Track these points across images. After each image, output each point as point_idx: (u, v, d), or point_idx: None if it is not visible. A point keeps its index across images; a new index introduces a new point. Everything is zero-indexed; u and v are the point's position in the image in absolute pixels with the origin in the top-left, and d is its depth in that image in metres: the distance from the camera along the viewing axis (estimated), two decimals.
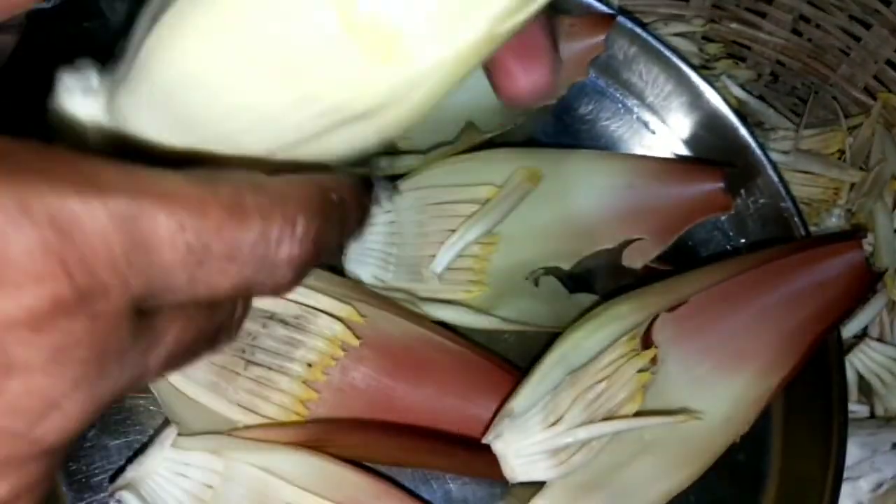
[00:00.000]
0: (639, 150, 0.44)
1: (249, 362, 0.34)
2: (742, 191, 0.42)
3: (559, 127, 0.43)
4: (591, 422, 0.33)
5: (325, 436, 0.34)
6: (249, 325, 0.34)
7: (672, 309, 0.37)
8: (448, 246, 0.37)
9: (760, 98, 0.51)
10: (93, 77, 0.19)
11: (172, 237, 0.15)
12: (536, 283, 0.40)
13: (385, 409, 0.35)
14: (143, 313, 0.16)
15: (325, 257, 0.18)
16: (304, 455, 0.33)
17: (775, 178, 0.41)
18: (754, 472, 0.40)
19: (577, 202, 0.40)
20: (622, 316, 0.36)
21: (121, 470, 0.34)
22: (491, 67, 0.21)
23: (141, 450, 0.34)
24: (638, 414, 0.35)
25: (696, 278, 0.38)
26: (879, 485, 0.41)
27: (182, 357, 0.18)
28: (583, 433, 0.33)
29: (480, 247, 0.39)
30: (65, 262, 0.14)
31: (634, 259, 0.41)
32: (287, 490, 0.32)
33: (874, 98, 0.48)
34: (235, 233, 0.16)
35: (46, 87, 0.20)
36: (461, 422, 0.36)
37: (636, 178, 0.40)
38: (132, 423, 0.36)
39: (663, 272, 0.40)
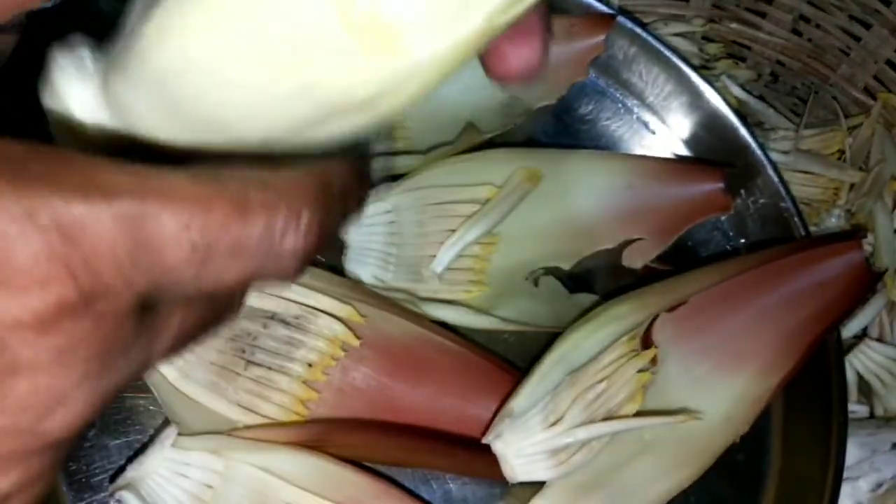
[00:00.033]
0: (639, 151, 0.44)
1: (250, 362, 0.34)
2: (742, 191, 0.42)
3: (559, 127, 0.43)
4: (590, 422, 0.33)
5: (325, 436, 0.34)
6: (249, 325, 0.34)
7: (672, 309, 0.37)
8: (448, 246, 0.37)
9: (760, 98, 0.51)
10: (86, 56, 0.19)
11: (177, 236, 0.15)
12: (536, 284, 0.40)
13: (385, 409, 0.35)
14: (147, 306, 0.16)
15: (328, 245, 0.18)
16: (304, 455, 0.33)
17: (775, 179, 0.41)
18: (754, 472, 0.40)
19: (576, 202, 0.40)
20: (622, 316, 0.36)
21: (121, 470, 0.34)
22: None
23: (141, 450, 0.34)
24: (638, 414, 0.35)
25: (695, 278, 0.38)
26: (879, 485, 0.41)
27: (185, 342, 0.18)
28: (583, 433, 0.33)
29: (480, 247, 0.39)
30: (69, 265, 0.14)
31: (634, 259, 0.41)
32: (287, 490, 0.32)
33: (874, 98, 0.48)
34: (240, 229, 0.16)
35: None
36: (461, 422, 0.36)
37: (636, 178, 0.40)
38: (132, 423, 0.36)
39: (663, 272, 0.40)
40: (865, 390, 0.45)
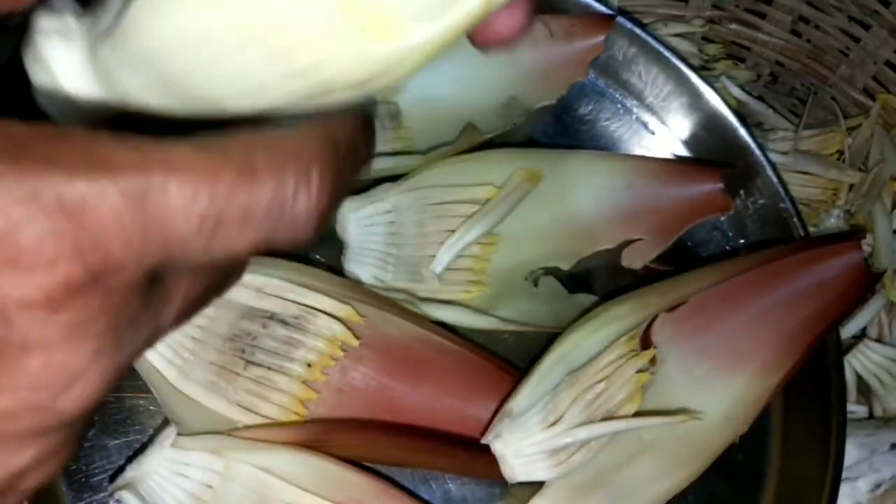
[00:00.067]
0: (638, 151, 0.44)
1: (249, 362, 0.34)
2: (741, 191, 0.42)
3: (559, 127, 0.43)
4: (590, 422, 0.33)
5: (324, 436, 0.34)
6: (249, 325, 0.34)
7: (671, 309, 0.37)
8: (448, 246, 0.37)
9: (760, 99, 0.51)
10: (71, 21, 0.19)
11: (185, 207, 0.15)
12: (536, 284, 0.40)
13: (384, 409, 0.35)
14: (158, 278, 0.16)
15: (342, 201, 0.18)
16: (303, 455, 0.33)
17: (774, 179, 0.41)
18: (753, 472, 0.40)
19: (576, 202, 0.40)
20: (621, 316, 0.36)
21: (120, 470, 0.34)
22: None
23: (141, 450, 0.34)
24: (637, 414, 0.35)
25: (695, 279, 0.38)
26: (878, 485, 0.41)
27: (194, 309, 0.18)
28: (582, 433, 0.33)
29: (480, 247, 0.39)
30: (77, 244, 0.14)
31: (634, 259, 0.41)
32: (287, 490, 0.32)
33: (873, 99, 0.49)
34: (249, 194, 0.16)
35: None
36: (460, 422, 0.36)
37: (636, 178, 0.40)
38: (132, 423, 0.36)
39: (663, 272, 0.40)
40: (864, 391, 0.45)
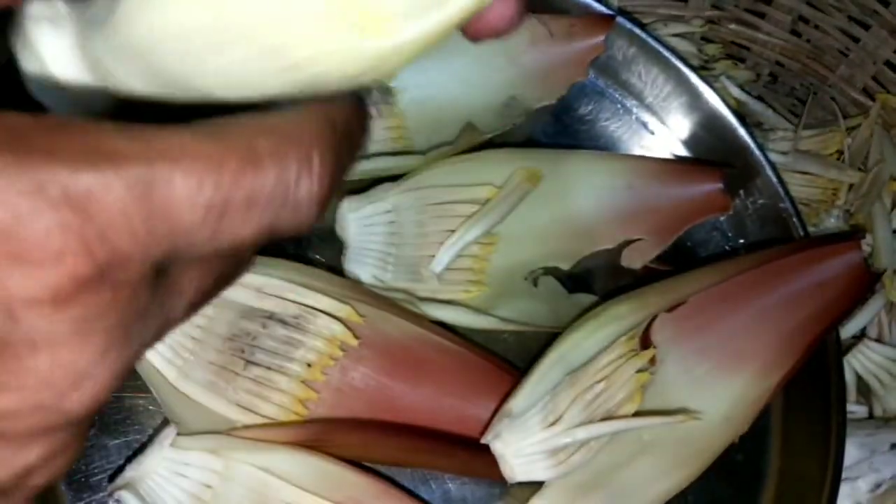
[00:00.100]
0: (638, 151, 0.44)
1: (249, 362, 0.34)
2: (741, 191, 0.42)
3: (558, 127, 0.43)
4: (589, 422, 0.33)
5: (324, 436, 0.34)
6: (248, 325, 0.34)
7: (671, 309, 0.37)
8: (447, 246, 0.37)
9: (759, 99, 0.51)
10: (61, 7, 0.18)
11: (191, 197, 0.15)
12: (535, 284, 0.40)
13: (384, 409, 0.35)
14: (165, 270, 0.16)
15: (341, 187, 0.18)
16: (303, 455, 0.33)
17: (774, 179, 0.41)
18: (753, 472, 0.40)
19: (576, 202, 0.40)
20: (621, 316, 0.36)
21: (120, 469, 0.34)
22: None
23: (140, 449, 0.34)
24: (637, 414, 0.35)
25: (694, 279, 0.38)
26: (878, 485, 0.41)
27: (204, 300, 0.18)
28: (581, 433, 0.33)
29: (480, 247, 0.39)
30: (83, 238, 0.14)
31: (633, 259, 0.41)
32: (286, 490, 0.32)
33: (873, 99, 0.49)
34: (253, 181, 0.16)
35: None
36: (460, 422, 0.36)
37: (635, 178, 0.40)
38: (131, 423, 0.36)
39: (662, 272, 0.40)
40: (864, 391, 0.45)
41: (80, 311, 0.14)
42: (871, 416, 0.45)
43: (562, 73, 0.41)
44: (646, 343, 0.36)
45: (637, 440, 0.35)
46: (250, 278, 0.34)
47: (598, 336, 0.35)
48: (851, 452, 0.40)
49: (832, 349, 0.39)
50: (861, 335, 0.46)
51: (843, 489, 0.38)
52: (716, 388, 0.37)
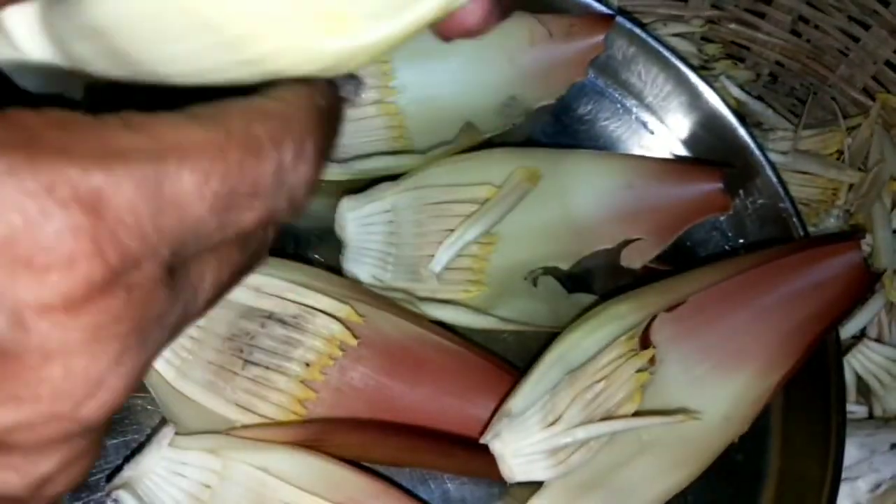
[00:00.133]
0: (637, 151, 0.44)
1: (247, 362, 0.34)
2: (740, 191, 0.42)
3: (558, 127, 0.43)
4: (589, 422, 0.33)
5: (323, 435, 0.34)
6: (247, 324, 0.34)
7: (671, 309, 0.37)
8: (447, 246, 0.37)
9: (759, 98, 0.51)
10: None
11: (199, 190, 0.15)
12: (535, 283, 0.40)
13: (383, 408, 0.35)
14: (177, 268, 0.16)
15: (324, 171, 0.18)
16: (302, 455, 0.33)
17: (774, 179, 0.41)
18: (753, 472, 0.40)
19: (575, 202, 0.40)
20: (621, 316, 0.36)
21: (118, 469, 0.34)
22: None
23: (138, 449, 0.34)
24: (636, 414, 0.35)
25: (694, 278, 0.38)
26: (878, 485, 0.41)
27: (221, 295, 0.18)
28: (581, 433, 0.33)
29: (479, 247, 0.38)
30: (95, 240, 0.13)
31: (633, 259, 0.41)
32: (285, 490, 0.32)
33: (873, 99, 0.48)
34: (255, 169, 0.16)
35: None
36: (459, 421, 0.35)
37: (635, 178, 0.40)
38: (130, 423, 0.36)
39: (662, 272, 0.40)
40: (864, 391, 0.45)
41: (93, 317, 0.14)
42: (870, 416, 0.45)
43: (561, 72, 0.41)
44: (645, 343, 0.36)
45: (636, 440, 0.35)
46: (250, 278, 0.34)
47: (597, 336, 0.35)
48: (851, 452, 0.40)
49: (832, 349, 0.39)
50: (861, 335, 0.46)
51: (843, 489, 0.38)
52: (715, 388, 0.37)
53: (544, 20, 0.41)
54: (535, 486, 0.34)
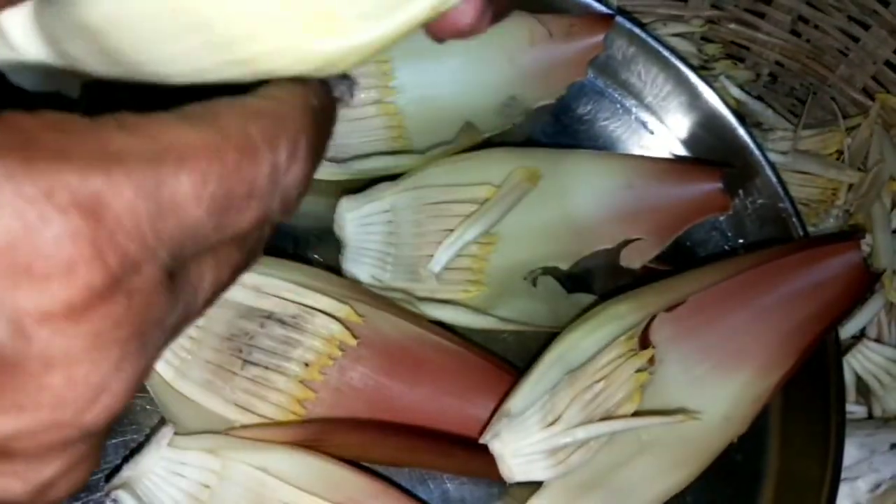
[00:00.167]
0: (637, 151, 0.44)
1: (246, 362, 0.34)
2: (740, 191, 0.42)
3: (558, 127, 0.43)
4: (588, 422, 0.33)
5: (322, 435, 0.34)
6: (247, 324, 0.34)
7: (670, 309, 0.37)
8: (446, 246, 0.37)
9: (759, 98, 0.51)
10: None
11: (197, 194, 0.15)
12: (535, 283, 0.40)
13: (383, 408, 0.35)
14: (177, 270, 0.16)
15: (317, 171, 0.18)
16: (301, 455, 0.33)
17: (773, 179, 0.41)
18: (752, 472, 0.40)
19: (575, 202, 0.40)
20: (620, 316, 0.36)
21: (117, 469, 0.34)
22: None
23: (137, 449, 0.34)
24: (636, 414, 0.35)
25: (694, 278, 0.38)
26: (877, 485, 0.41)
27: (221, 293, 0.18)
28: (581, 433, 0.33)
29: (479, 247, 0.38)
30: (95, 245, 0.13)
31: (633, 259, 0.41)
32: (284, 490, 0.32)
33: (872, 99, 0.48)
34: (252, 170, 0.16)
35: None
36: (459, 422, 0.35)
37: (635, 178, 0.40)
38: (128, 422, 0.36)
39: (661, 272, 0.40)
40: (864, 391, 0.45)
41: (94, 323, 0.14)
42: (870, 416, 0.45)
43: (561, 72, 0.41)
44: (645, 343, 0.36)
45: (636, 440, 0.35)
46: (249, 278, 0.34)
47: (597, 336, 0.35)
48: (851, 452, 0.40)
49: (831, 349, 0.39)
50: (860, 335, 0.46)
51: (843, 489, 0.38)
52: (715, 388, 0.37)
53: (544, 20, 0.41)
54: (535, 486, 0.34)
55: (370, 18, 0.16)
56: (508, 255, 0.39)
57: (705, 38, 0.50)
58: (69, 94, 0.19)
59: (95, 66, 0.18)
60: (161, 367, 0.33)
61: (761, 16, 0.49)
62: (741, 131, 0.42)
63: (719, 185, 0.40)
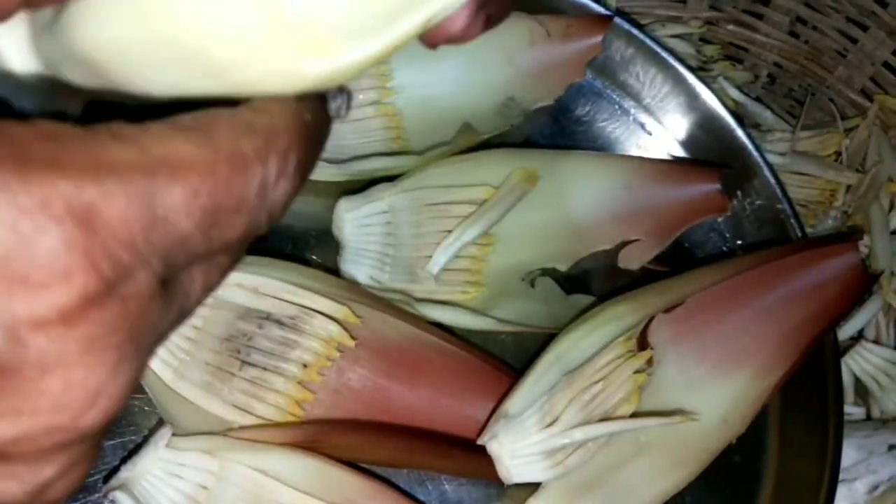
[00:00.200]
0: (635, 152, 0.44)
1: (245, 363, 0.34)
2: (738, 192, 0.42)
3: (556, 128, 0.43)
4: (587, 423, 0.33)
5: (320, 437, 0.34)
6: (245, 325, 0.34)
7: (668, 310, 0.37)
8: (444, 247, 0.37)
9: (757, 100, 0.51)
10: None
11: (188, 206, 0.15)
12: (533, 285, 0.40)
13: (381, 409, 0.35)
14: (169, 277, 0.16)
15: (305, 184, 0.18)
16: (299, 456, 0.33)
17: (772, 180, 0.41)
18: (750, 473, 0.40)
19: (574, 203, 0.40)
20: (618, 317, 0.36)
21: (115, 470, 0.34)
22: None
23: (135, 450, 0.34)
24: (634, 415, 0.35)
25: (692, 279, 0.38)
26: (875, 487, 0.41)
27: (210, 294, 0.18)
28: (579, 434, 0.33)
29: (477, 248, 0.38)
30: (89, 254, 0.14)
31: (631, 260, 0.41)
32: (282, 491, 0.32)
33: (871, 100, 0.49)
34: (242, 185, 0.16)
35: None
36: (457, 423, 0.35)
37: (633, 179, 0.40)
38: (127, 423, 0.36)
39: (660, 273, 0.40)
40: (862, 392, 0.45)
41: (89, 329, 0.14)
42: (868, 417, 0.45)
43: (559, 73, 0.41)
44: (643, 344, 0.36)
45: (634, 441, 0.35)
46: (247, 279, 0.34)
47: (595, 337, 0.35)
48: (849, 454, 0.40)
49: (830, 350, 0.39)
50: (859, 337, 0.46)
51: (841, 491, 0.38)
52: (713, 389, 0.37)
53: (542, 21, 0.41)
54: (533, 487, 0.34)
55: (359, 38, 0.17)
56: (507, 257, 0.39)
57: (703, 40, 0.50)
58: (72, 113, 0.20)
59: (92, 87, 0.18)
60: (159, 368, 0.33)
61: (759, 17, 0.49)
62: (739, 132, 0.42)
63: (717, 186, 0.40)
